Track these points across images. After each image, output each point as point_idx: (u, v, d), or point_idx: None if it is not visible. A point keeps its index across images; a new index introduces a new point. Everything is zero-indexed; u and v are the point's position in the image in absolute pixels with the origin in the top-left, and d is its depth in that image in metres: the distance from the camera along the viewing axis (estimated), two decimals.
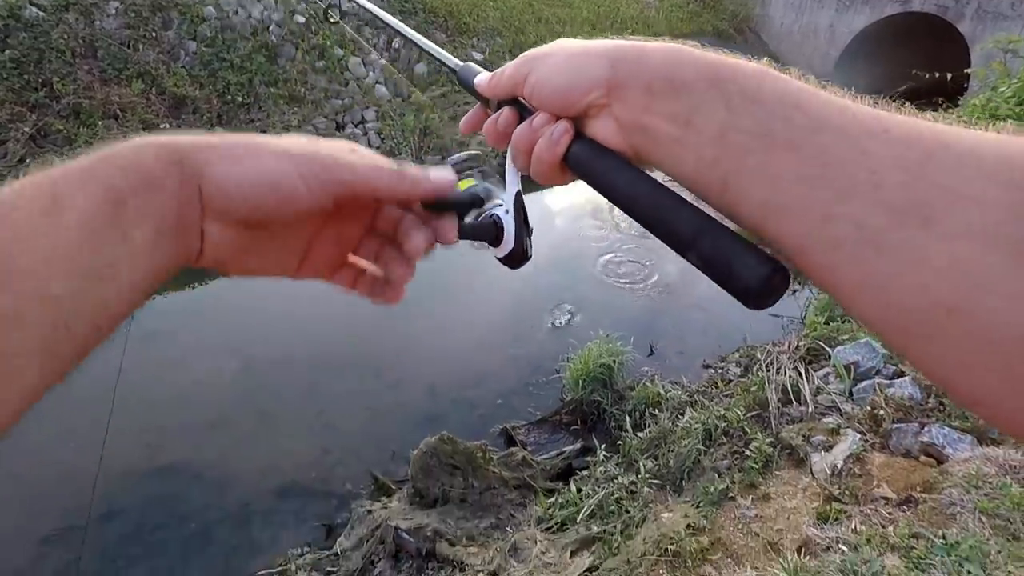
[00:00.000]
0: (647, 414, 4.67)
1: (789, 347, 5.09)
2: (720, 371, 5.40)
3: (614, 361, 4.99)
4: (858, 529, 2.44)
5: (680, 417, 4.42)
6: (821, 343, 4.76)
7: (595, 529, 3.36)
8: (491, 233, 0.53)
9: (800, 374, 4.60)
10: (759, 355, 5.06)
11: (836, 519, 2.60)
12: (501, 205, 0.53)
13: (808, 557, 2.44)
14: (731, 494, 3.39)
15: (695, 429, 4.16)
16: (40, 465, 4.24)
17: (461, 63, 0.60)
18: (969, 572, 1.97)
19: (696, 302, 6.76)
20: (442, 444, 3.64)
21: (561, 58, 0.47)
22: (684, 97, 0.41)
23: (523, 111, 0.50)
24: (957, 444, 2.96)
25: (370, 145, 10.01)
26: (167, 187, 0.38)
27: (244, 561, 3.76)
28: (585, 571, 3.00)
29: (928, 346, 0.32)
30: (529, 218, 0.54)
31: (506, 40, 11.78)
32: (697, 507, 3.40)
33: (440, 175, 0.49)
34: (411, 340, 5.93)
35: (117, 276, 0.36)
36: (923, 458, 3.15)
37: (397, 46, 10.70)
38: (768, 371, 4.73)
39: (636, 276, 7.10)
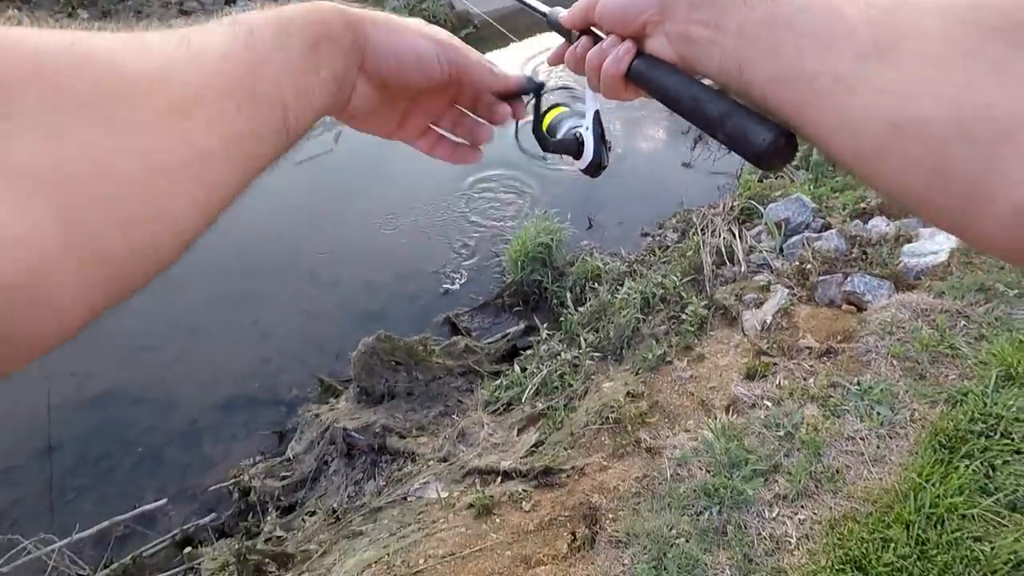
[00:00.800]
0: (587, 288, 4.69)
1: (724, 208, 5.11)
2: (658, 238, 5.42)
3: (552, 239, 4.91)
4: (782, 384, 2.55)
5: (619, 288, 4.45)
6: (754, 202, 4.78)
7: (540, 406, 3.45)
8: (573, 147, 0.63)
9: (734, 235, 4.65)
10: (695, 219, 5.07)
11: (763, 375, 2.71)
12: (582, 124, 0.63)
13: (735, 415, 2.56)
14: (668, 358, 3.51)
15: (633, 299, 4.21)
16: None
17: (549, 9, 0.66)
18: (879, 414, 2.09)
19: (633, 168, 6.63)
20: (380, 343, 3.57)
21: None
22: (717, 4, 0.47)
23: (596, 39, 0.58)
24: (876, 291, 3.07)
25: None
26: (343, 43, 0.47)
27: (197, 478, 3.76)
28: (532, 447, 3.11)
29: (880, 163, 0.38)
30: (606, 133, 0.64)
31: None
32: (636, 374, 3.52)
33: (516, 76, 0.60)
34: (343, 238, 5.67)
35: (312, 100, 0.44)
36: (845, 307, 3.29)
37: None
38: (703, 234, 4.76)
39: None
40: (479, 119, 0.63)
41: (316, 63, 0.44)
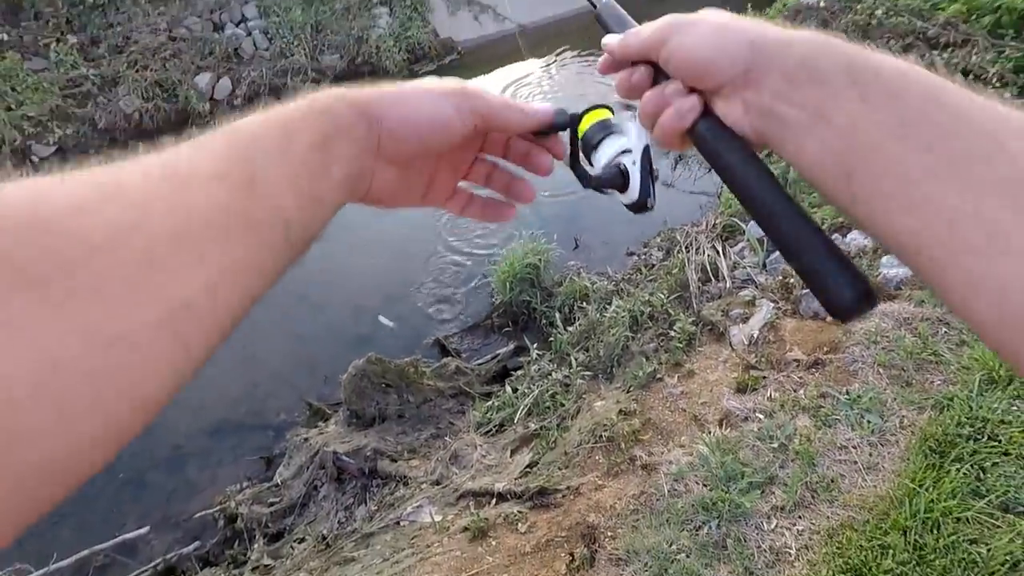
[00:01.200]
0: (576, 308, 4.73)
1: (706, 226, 5.21)
2: (643, 257, 5.49)
3: (539, 260, 4.96)
4: (773, 396, 2.58)
5: (607, 307, 4.49)
6: (736, 219, 4.88)
7: (532, 426, 3.44)
8: (618, 181, 0.56)
9: (718, 251, 4.74)
10: (679, 237, 5.16)
11: (754, 388, 2.74)
12: (630, 153, 0.55)
13: (728, 429, 2.58)
14: (658, 375, 3.53)
15: (622, 317, 4.25)
16: None
17: (603, 1, 0.59)
18: (869, 421, 2.13)
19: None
20: (370, 365, 3.55)
21: (705, 31, 0.47)
22: (820, 87, 0.41)
23: (657, 73, 0.51)
24: None
25: (256, 48, 8.96)
26: (356, 134, 0.43)
27: (181, 504, 3.66)
28: (525, 468, 3.09)
29: None
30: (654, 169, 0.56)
31: None
32: (628, 392, 3.54)
33: (546, 108, 0.54)
34: (331, 261, 5.66)
35: (322, 208, 0.40)
36: (829, 319, 3.35)
37: None
38: (688, 252, 4.84)
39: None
40: (517, 172, 0.57)
41: (326, 163, 0.40)
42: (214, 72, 8.49)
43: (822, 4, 6.62)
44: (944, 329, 2.52)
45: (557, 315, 4.67)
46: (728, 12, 0.48)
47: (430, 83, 0.48)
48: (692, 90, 0.48)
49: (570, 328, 4.48)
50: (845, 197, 0.40)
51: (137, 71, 8.11)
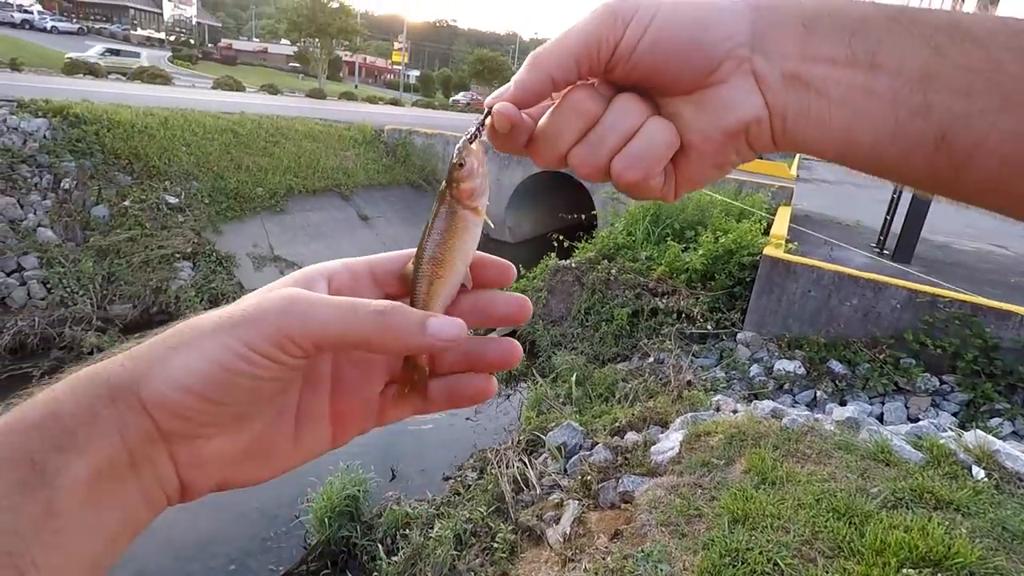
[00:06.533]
0: (399, 536, 4.67)
1: (513, 443, 5.78)
2: (459, 479, 5.75)
3: (359, 490, 4.93)
4: (587, 567, 2.92)
5: (431, 530, 4.55)
6: (537, 433, 5.54)
7: None
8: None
9: (525, 463, 5.24)
10: (490, 455, 5.61)
11: (573, 565, 3.05)
12: None
13: None
14: None
15: (446, 537, 4.34)
16: None
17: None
18: (661, 569, 2.57)
19: (425, 420, 7.14)
20: None
21: (678, 3, 0.35)
22: (860, 34, 0.33)
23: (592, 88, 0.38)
24: (640, 485, 3.79)
25: (29, 296, 8.31)
26: (100, 430, 0.31)
27: None
28: None
29: None
30: None
31: (204, 184, 11.38)
32: None
33: (444, 325, 0.37)
34: None
35: (72, 545, 0.30)
36: (623, 505, 3.92)
37: (68, 186, 9.45)
38: (499, 467, 5.27)
39: None
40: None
41: (41, 498, 0.29)
42: None
43: (573, 264, 8.63)
44: (699, 490, 3.22)
45: (380, 547, 4.56)
46: None
47: (220, 312, 0.35)
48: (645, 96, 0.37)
49: (394, 558, 4.39)
50: (942, 162, 0.32)
51: None
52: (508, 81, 0.38)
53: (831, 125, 0.34)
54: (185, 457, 0.34)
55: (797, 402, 6.17)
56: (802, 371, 6.53)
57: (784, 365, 6.60)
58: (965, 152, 0.32)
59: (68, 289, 8.49)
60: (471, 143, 0.41)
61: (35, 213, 9.01)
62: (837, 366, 6.51)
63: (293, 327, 0.34)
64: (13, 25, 35.94)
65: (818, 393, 6.24)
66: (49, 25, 38.90)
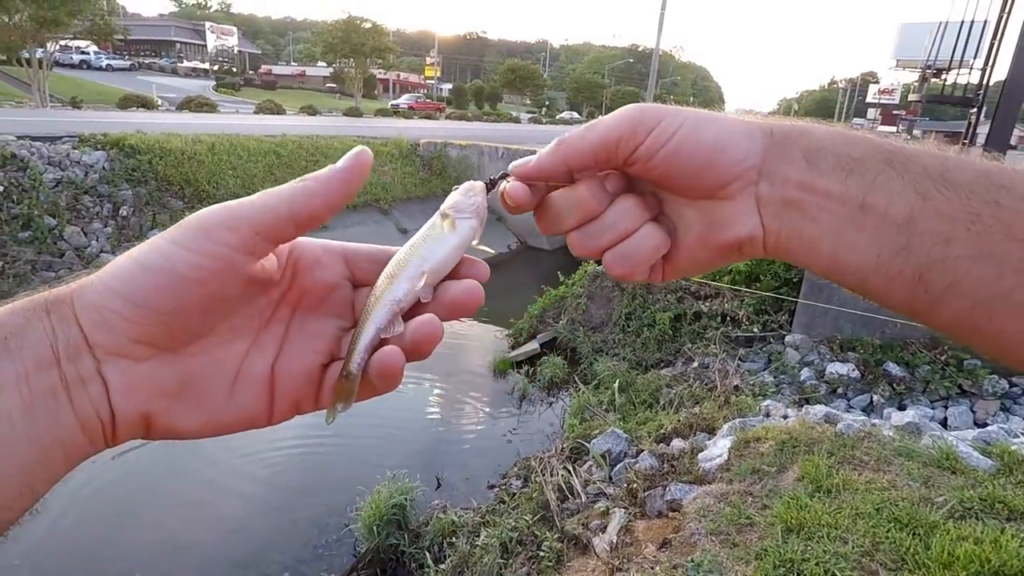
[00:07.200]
0: (445, 544, 4.70)
1: (557, 451, 5.74)
2: (504, 487, 5.74)
3: (406, 499, 4.98)
4: None
5: (477, 538, 4.56)
6: (581, 441, 5.50)
7: None
8: None
9: (570, 471, 5.20)
10: (534, 463, 5.59)
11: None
12: None
13: None
14: None
15: (492, 545, 4.34)
16: None
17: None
18: None
19: (468, 428, 7.17)
20: None
21: (703, 119, 0.38)
22: (856, 175, 0.35)
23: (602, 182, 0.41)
24: (688, 494, 3.70)
25: None
26: (30, 339, 0.32)
27: None
28: None
29: None
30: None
31: None
32: None
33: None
34: (164, 525, 5.07)
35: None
36: (671, 514, 3.84)
37: (126, 213, 9.95)
38: (544, 476, 5.24)
39: (411, 412, 7.30)
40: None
41: None
42: None
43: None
44: (750, 498, 3.12)
45: (427, 555, 4.59)
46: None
47: (165, 234, 0.35)
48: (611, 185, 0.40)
49: (442, 565, 4.41)
50: (917, 299, 0.35)
51: None
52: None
53: (820, 249, 0.37)
54: (114, 377, 0.34)
55: (852, 407, 5.93)
56: (856, 374, 6.28)
57: (837, 368, 6.37)
58: (940, 292, 0.34)
59: None
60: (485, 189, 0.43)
61: (97, 240, 9.52)
62: (894, 368, 6.24)
63: (219, 215, 0.35)
64: (73, 66, 38.21)
65: (874, 397, 5.98)
66: (104, 63, 41.27)
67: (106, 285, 0.33)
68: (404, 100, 45.85)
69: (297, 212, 0.37)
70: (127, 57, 48.29)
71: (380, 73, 52.21)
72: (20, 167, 9.38)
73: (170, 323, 0.34)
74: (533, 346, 8.60)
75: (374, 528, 4.74)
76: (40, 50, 20.08)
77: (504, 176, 0.42)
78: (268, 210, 0.36)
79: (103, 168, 10.29)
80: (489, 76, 73.31)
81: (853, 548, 2.61)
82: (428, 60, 57.81)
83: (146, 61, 50.45)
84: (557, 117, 49.22)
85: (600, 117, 0.40)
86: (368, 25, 37.64)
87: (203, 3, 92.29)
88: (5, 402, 0.30)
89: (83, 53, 40.67)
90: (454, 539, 4.69)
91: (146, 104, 22.88)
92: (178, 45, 59.41)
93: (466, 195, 0.42)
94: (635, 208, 0.40)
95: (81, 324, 0.33)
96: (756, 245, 0.39)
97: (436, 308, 0.40)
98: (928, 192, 0.34)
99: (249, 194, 0.39)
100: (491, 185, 0.43)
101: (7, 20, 18.20)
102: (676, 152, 0.37)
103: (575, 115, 52.28)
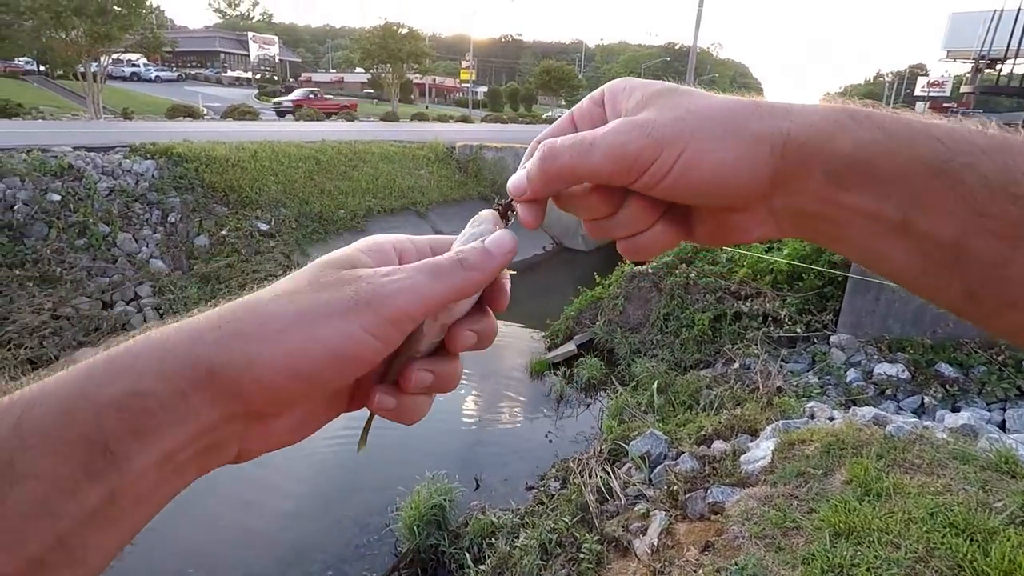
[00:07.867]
0: (484, 545, 4.73)
1: (595, 453, 5.71)
2: (542, 489, 5.74)
3: (445, 499, 5.03)
4: None
5: (516, 539, 4.57)
6: (619, 442, 5.45)
7: None
8: None
9: (609, 473, 5.17)
10: (572, 465, 5.57)
11: None
12: None
13: None
14: None
15: (531, 546, 4.35)
16: None
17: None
18: None
19: (505, 429, 7.20)
20: None
21: (701, 150, 0.35)
22: (895, 195, 0.32)
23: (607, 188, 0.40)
24: (730, 496, 3.64)
25: (145, 322, 9.15)
26: (182, 414, 0.30)
27: None
28: None
29: None
30: None
31: (291, 210, 12.16)
32: None
33: (501, 239, 0.40)
34: (212, 523, 5.24)
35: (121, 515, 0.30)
36: (713, 516, 3.78)
37: (174, 220, 10.36)
38: (582, 477, 5.22)
39: (449, 413, 7.37)
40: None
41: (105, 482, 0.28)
42: (96, 347, 8.41)
43: (649, 270, 8.46)
44: (795, 502, 3.05)
45: (467, 556, 4.63)
46: (721, 101, 0.37)
47: (308, 292, 0.35)
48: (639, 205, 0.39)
49: (481, 566, 4.44)
50: (969, 312, 0.33)
51: (9, 350, 7.86)
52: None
53: (851, 252, 0.36)
54: (257, 432, 0.35)
55: (902, 408, 5.72)
56: (906, 375, 6.05)
57: (885, 369, 6.14)
58: (995, 307, 0.32)
59: (177, 314, 9.25)
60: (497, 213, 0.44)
61: (147, 246, 9.93)
62: (947, 369, 5.99)
63: (412, 304, 0.35)
64: (124, 79, 39.99)
65: (926, 399, 5.75)
66: (153, 75, 43.08)
67: (292, 369, 0.32)
68: (294, 97, 32.06)
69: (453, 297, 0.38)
70: (174, 68, 50.24)
71: (416, 78, 52.88)
72: (76, 177, 9.85)
73: (324, 390, 0.36)
74: (570, 347, 8.58)
75: (415, 528, 4.81)
76: (95, 64, 21.07)
77: (511, 205, 0.44)
78: (449, 292, 0.37)
79: (152, 176, 10.73)
80: (524, 78, 73.35)
81: (906, 554, 2.52)
82: (463, 63, 58.25)
83: (192, 72, 52.39)
84: None
85: (595, 133, 0.38)
86: (404, 31, 38.18)
87: (246, 14, 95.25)
88: (140, 485, 0.30)
89: (133, 66, 42.52)
90: (493, 540, 4.72)
91: (192, 114, 23.74)
92: (222, 55, 61.49)
93: (473, 226, 0.43)
94: (643, 211, 0.39)
95: (246, 398, 0.32)
96: (774, 236, 0.39)
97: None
98: (986, 208, 0.30)
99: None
100: (504, 211, 0.44)
101: (64, 36, 19.17)
102: (674, 187, 0.36)
103: None
